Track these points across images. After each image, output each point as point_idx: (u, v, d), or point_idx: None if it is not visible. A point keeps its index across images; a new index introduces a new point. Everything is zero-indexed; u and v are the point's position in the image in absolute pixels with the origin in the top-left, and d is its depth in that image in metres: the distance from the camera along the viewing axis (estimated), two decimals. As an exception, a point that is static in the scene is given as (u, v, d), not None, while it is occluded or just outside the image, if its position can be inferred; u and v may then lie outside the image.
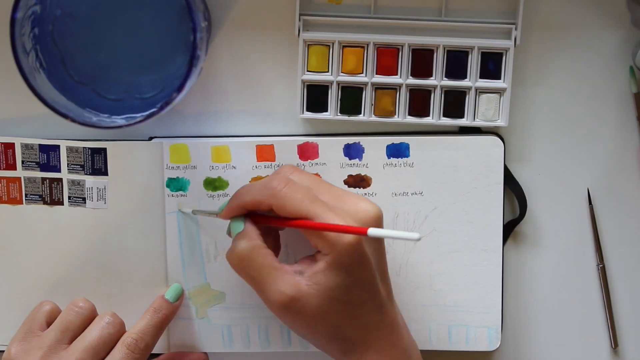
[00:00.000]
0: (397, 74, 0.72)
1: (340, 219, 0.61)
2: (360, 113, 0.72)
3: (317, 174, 0.72)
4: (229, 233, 0.67)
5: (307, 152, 0.72)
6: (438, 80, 0.71)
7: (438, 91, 0.71)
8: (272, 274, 0.63)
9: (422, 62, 0.71)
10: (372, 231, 0.59)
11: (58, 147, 0.72)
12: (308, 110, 0.72)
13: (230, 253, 0.65)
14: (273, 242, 0.68)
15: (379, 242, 0.65)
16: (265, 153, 0.72)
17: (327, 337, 0.64)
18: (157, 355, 0.74)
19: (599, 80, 0.73)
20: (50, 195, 0.73)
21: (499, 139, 0.72)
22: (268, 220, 0.65)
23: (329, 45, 0.71)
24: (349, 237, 0.61)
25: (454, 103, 0.72)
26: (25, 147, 0.72)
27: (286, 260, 0.73)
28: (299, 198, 0.62)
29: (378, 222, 0.64)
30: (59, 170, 0.73)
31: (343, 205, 0.64)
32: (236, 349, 0.74)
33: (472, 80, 0.71)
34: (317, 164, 0.73)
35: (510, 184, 0.73)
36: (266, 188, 0.63)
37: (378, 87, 0.72)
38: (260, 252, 0.63)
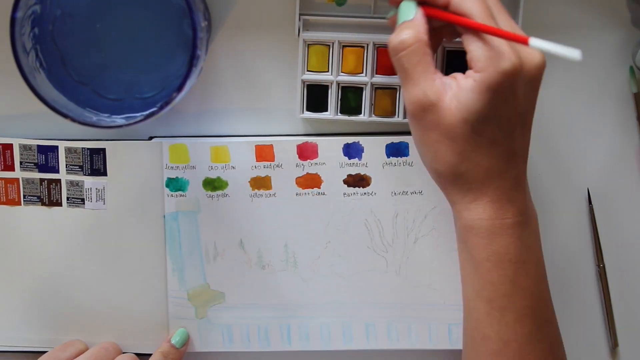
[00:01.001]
0: (397, 74, 0.71)
1: (510, 40, 0.58)
2: (360, 113, 0.72)
3: (316, 174, 0.73)
4: (390, 20, 0.64)
5: (306, 152, 0.73)
6: (438, 80, 0.71)
7: (438, 91, 0.71)
8: (425, 72, 0.59)
9: (422, 62, 0.71)
10: (534, 41, 0.56)
11: (56, 147, 0.72)
12: (308, 110, 0.72)
13: (394, 38, 0.60)
14: (435, 43, 0.65)
15: (534, 87, 0.61)
16: (264, 153, 0.72)
17: (446, 163, 0.61)
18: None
19: (599, 80, 0.73)
20: (48, 197, 0.73)
21: (499, 139, 0.72)
22: (441, 14, 0.60)
23: (329, 45, 0.71)
24: (508, 62, 0.57)
25: (454, 103, 0.72)
26: (24, 147, 0.72)
27: (285, 260, 0.73)
28: (479, 4, 0.59)
29: (542, 69, 0.61)
30: (57, 171, 0.72)
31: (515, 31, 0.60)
32: (236, 348, 0.74)
33: (472, 80, 0.71)
34: (316, 163, 0.73)
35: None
36: None
37: (378, 87, 0.72)
38: (423, 49, 0.60)
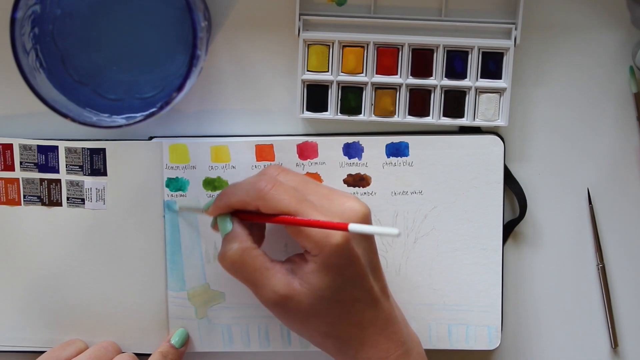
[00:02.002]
0: (397, 74, 0.72)
1: (325, 218, 0.61)
2: (360, 113, 0.72)
3: (316, 174, 0.72)
4: (213, 227, 0.68)
5: (306, 152, 0.72)
6: (438, 80, 0.71)
7: (438, 91, 0.71)
8: (265, 274, 0.63)
9: (422, 62, 0.71)
10: (353, 227, 0.59)
11: (56, 148, 0.72)
12: (308, 110, 0.72)
13: (221, 256, 0.65)
14: (258, 234, 0.68)
15: (368, 239, 0.65)
16: (264, 153, 0.72)
17: (322, 334, 0.64)
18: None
19: (599, 80, 0.73)
20: (48, 197, 0.73)
21: (499, 139, 0.72)
22: (254, 218, 0.65)
23: (329, 45, 0.71)
24: (336, 238, 0.61)
25: (454, 103, 0.72)
26: (24, 148, 0.72)
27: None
28: (286, 199, 0.62)
29: (365, 220, 0.64)
30: (57, 171, 0.72)
31: (330, 204, 0.64)
32: (236, 348, 0.74)
33: (472, 80, 0.71)
34: (316, 163, 0.73)
35: (510, 183, 0.73)
36: (253, 189, 0.63)
37: (378, 87, 0.72)
38: (252, 254, 0.64)
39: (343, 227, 0.60)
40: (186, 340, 0.74)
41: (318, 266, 0.62)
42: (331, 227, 0.60)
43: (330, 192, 0.65)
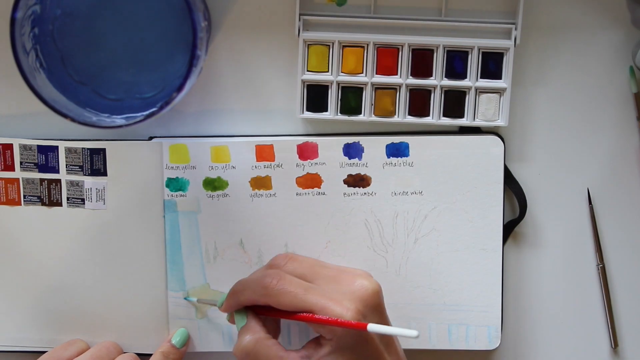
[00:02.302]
0: (397, 74, 0.72)
1: (337, 304, 0.62)
2: (360, 113, 0.72)
3: (316, 174, 0.72)
4: (229, 320, 0.70)
5: (306, 152, 0.72)
6: (438, 80, 0.71)
7: (438, 91, 0.71)
8: None
9: (422, 62, 0.71)
10: (372, 327, 0.60)
11: (56, 148, 0.72)
12: (308, 110, 0.72)
13: (236, 348, 0.66)
14: (274, 325, 0.68)
15: (379, 311, 0.66)
16: (264, 153, 0.72)
17: None
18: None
19: (599, 80, 0.73)
20: (48, 197, 0.73)
21: (499, 139, 0.72)
22: (270, 314, 0.66)
23: (329, 45, 0.71)
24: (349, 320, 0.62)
25: (454, 103, 0.72)
26: (24, 148, 0.72)
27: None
28: (293, 292, 0.63)
29: (377, 297, 0.65)
30: (57, 171, 0.72)
31: (339, 286, 0.65)
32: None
33: (472, 80, 0.71)
34: (316, 163, 0.72)
35: (510, 183, 0.73)
36: (259, 287, 0.64)
37: (378, 87, 0.72)
38: (265, 344, 0.64)
39: (362, 327, 0.60)
40: (187, 340, 0.74)
41: (333, 349, 0.62)
42: (349, 326, 0.61)
43: (338, 272, 0.67)
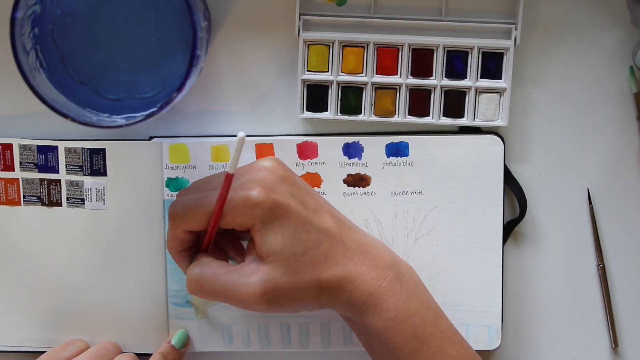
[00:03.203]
0: (397, 74, 0.72)
1: (240, 190, 0.62)
2: (360, 113, 0.72)
3: (316, 174, 0.73)
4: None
5: (306, 151, 0.72)
6: (438, 80, 0.71)
7: (438, 91, 0.71)
8: (233, 276, 0.62)
9: (422, 62, 0.71)
10: (230, 167, 0.61)
11: (56, 148, 0.72)
12: (308, 110, 0.72)
13: (187, 284, 0.65)
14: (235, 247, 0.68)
15: (290, 183, 0.64)
16: (264, 152, 0.72)
17: (312, 293, 0.63)
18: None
19: (599, 80, 0.73)
20: (48, 197, 0.73)
21: (499, 139, 0.72)
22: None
23: (329, 45, 0.71)
24: (254, 199, 0.61)
25: (454, 103, 0.72)
26: (24, 148, 0.72)
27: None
28: (195, 205, 0.63)
29: (279, 169, 0.64)
30: (57, 172, 0.72)
31: (243, 178, 0.64)
32: (236, 348, 0.74)
33: (472, 80, 0.71)
34: (316, 163, 0.73)
35: (510, 183, 0.73)
36: (170, 225, 0.65)
37: (378, 87, 0.72)
38: (210, 266, 0.64)
39: (228, 177, 0.61)
40: (187, 341, 0.74)
41: (260, 233, 0.61)
42: (224, 189, 0.61)
43: (245, 170, 0.65)
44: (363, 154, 0.73)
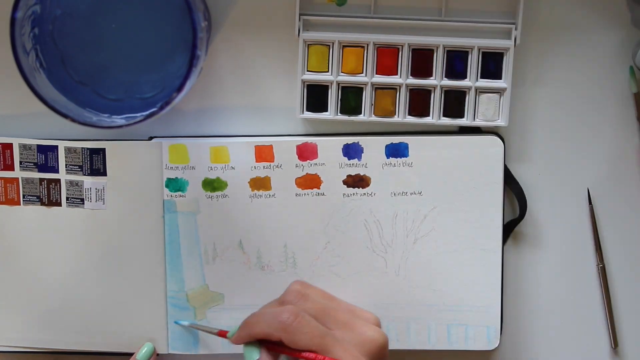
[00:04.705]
0: (397, 74, 0.72)
1: (349, 355, 0.62)
2: (360, 113, 0.72)
3: (316, 175, 0.72)
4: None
5: (306, 152, 0.72)
6: (438, 80, 0.71)
7: (438, 91, 0.71)
8: None
9: (422, 62, 0.71)
10: None
11: (56, 147, 0.72)
12: (308, 110, 0.72)
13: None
14: None
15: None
16: (264, 153, 0.72)
17: None
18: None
19: (599, 80, 0.73)
20: (48, 196, 0.73)
21: (499, 139, 0.72)
22: (282, 351, 0.65)
23: (329, 45, 0.71)
24: None
25: (454, 103, 0.72)
26: (23, 147, 0.72)
27: (285, 260, 0.73)
28: (309, 333, 0.63)
29: (384, 350, 0.65)
30: (57, 171, 0.72)
31: (352, 335, 0.65)
32: (236, 349, 0.74)
33: (472, 80, 0.71)
34: (316, 164, 0.72)
35: (510, 183, 0.73)
36: (276, 321, 0.64)
37: (378, 87, 0.72)
38: None
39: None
40: (152, 354, 0.74)
41: None
42: None
43: (351, 317, 0.67)
44: (363, 154, 0.73)
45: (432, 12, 0.72)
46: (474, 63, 0.71)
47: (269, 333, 0.64)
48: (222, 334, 0.70)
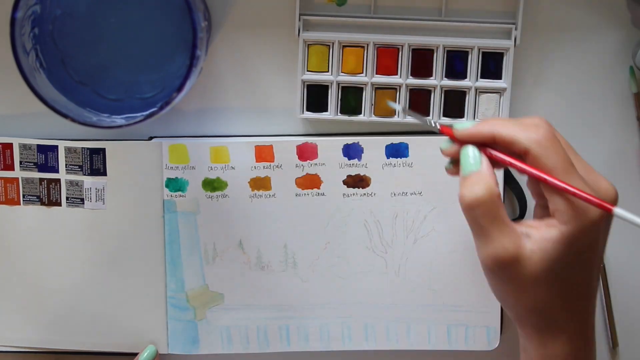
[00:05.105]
0: (397, 74, 0.72)
1: (590, 190, 0.57)
2: (360, 113, 0.72)
3: (316, 175, 0.73)
4: (449, 170, 0.63)
5: (306, 153, 0.72)
6: (438, 80, 0.71)
7: (438, 91, 0.71)
8: (501, 227, 0.57)
9: (422, 62, 0.71)
10: (618, 211, 0.56)
11: (56, 147, 0.72)
12: (308, 110, 0.72)
13: (467, 194, 0.57)
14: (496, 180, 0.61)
15: (607, 231, 0.61)
16: (264, 154, 0.72)
17: (529, 309, 0.59)
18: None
19: (599, 80, 0.73)
20: (48, 196, 0.73)
21: (499, 139, 0.72)
22: (511, 164, 0.58)
23: (329, 45, 0.71)
24: (594, 214, 0.56)
25: (454, 103, 0.72)
26: (24, 147, 0.72)
27: (285, 261, 0.73)
28: (561, 156, 0.57)
29: (616, 203, 0.60)
30: (57, 171, 0.72)
31: (588, 178, 0.60)
32: (235, 350, 0.74)
33: (472, 80, 0.71)
34: (316, 164, 0.72)
35: (510, 183, 0.73)
36: (531, 132, 0.57)
37: (378, 87, 0.72)
38: (497, 203, 0.57)
39: (608, 209, 0.56)
40: (154, 357, 0.74)
41: (563, 237, 0.56)
42: (596, 203, 0.56)
43: (587, 167, 0.61)
44: (363, 155, 0.73)
45: (432, 12, 0.72)
46: (474, 63, 0.71)
47: (519, 139, 0.57)
48: (444, 129, 0.60)
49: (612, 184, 0.60)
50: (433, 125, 0.61)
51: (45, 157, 0.72)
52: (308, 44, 0.71)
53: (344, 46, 0.71)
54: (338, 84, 0.72)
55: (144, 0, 0.67)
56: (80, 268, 0.73)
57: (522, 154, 0.57)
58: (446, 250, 0.73)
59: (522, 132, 0.57)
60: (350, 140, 0.72)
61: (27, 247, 0.73)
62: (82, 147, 0.72)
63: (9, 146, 0.72)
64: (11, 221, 0.73)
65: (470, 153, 0.58)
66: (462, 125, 0.59)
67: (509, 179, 0.73)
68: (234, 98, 0.73)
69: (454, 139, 0.59)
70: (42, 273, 0.74)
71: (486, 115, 0.72)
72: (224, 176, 0.73)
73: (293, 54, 0.72)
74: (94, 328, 0.74)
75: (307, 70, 0.72)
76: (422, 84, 0.72)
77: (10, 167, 0.72)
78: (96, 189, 0.72)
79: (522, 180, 0.73)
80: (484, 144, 0.58)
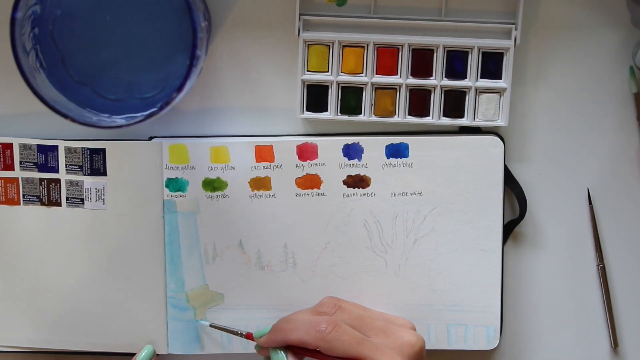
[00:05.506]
0: (397, 74, 0.72)
1: (389, 359, 0.63)
2: (360, 113, 0.72)
3: (316, 175, 0.72)
4: (259, 352, 0.70)
5: (306, 153, 0.72)
6: (438, 80, 0.71)
7: (438, 91, 0.71)
8: None
9: (422, 62, 0.71)
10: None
11: (56, 147, 0.72)
12: (308, 110, 0.72)
13: None
14: None
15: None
16: (264, 153, 0.72)
17: None
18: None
19: (599, 80, 0.73)
20: (48, 196, 0.73)
21: (499, 139, 0.72)
22: (315, 356, 0.66)
23: (329, 45, 0.71)
24: None
25: (454, 103, 0.72)
26: (24, 147, 0.72)
27: (285, 261, 0.73)
28: (347, 341, 0.64)
29: (422, 352, 0.66)
30: (57, 171, 0.72)
31: (388, 340, 0.66)
32: (235, 350, 0.74)
33: (472, 80, 0.71)
34: (316, 164, 0.72)
35: (510, 184, 0.73)
36: (313, 330, 0.65)
37: (378, 87, 0.72)
38: None
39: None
40: (152, 357, 0.74)
41: None
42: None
43: (386, 324, 0.68)
44: (363, 155, 0.73)
45: (432, 12, 0.72)
46: (474, 63, 0.71)
47: (306, 341, 0.65)
48: (249, 336, 0.71)
49: (416, 333, 0.68)
50: (239, 333, 0.72)
51: (45, 157, 0.72)
52: (308, 44, 0.71)
53: (344, 46, 0.71)
54: (338, 84, 0.72)
55: (144, 0, 0.67)
56: (80, 268, 0.73)
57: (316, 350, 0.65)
58: (446, 250, 0.73)
59: (308, 333, 0.65)
60: (350, 140, 0.72)
61: (27, 247, 0.73)
62: (82, 147, 0.72)
63: (9, 146, 0.72)
64: (11, 221, 0.73)
65: (274, 353, 0.68)
66: (259, 333, 0.69)
67: (509, 179, 0.73)
68: (234, 98, 0.73)
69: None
70: (42, 273, 0.74)
71: (486, 115, 0.72)
72: (224, 176, 0.73)
73: (293, 54, 0.72)
74: (93, 328, 0.74)
75: (307, 70, 0.72)
76: (422, 84, 0.72)
77: (10, 167, 0.72)
78: (96, 189, 0.72)
79: (522, 180, 0.73)
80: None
